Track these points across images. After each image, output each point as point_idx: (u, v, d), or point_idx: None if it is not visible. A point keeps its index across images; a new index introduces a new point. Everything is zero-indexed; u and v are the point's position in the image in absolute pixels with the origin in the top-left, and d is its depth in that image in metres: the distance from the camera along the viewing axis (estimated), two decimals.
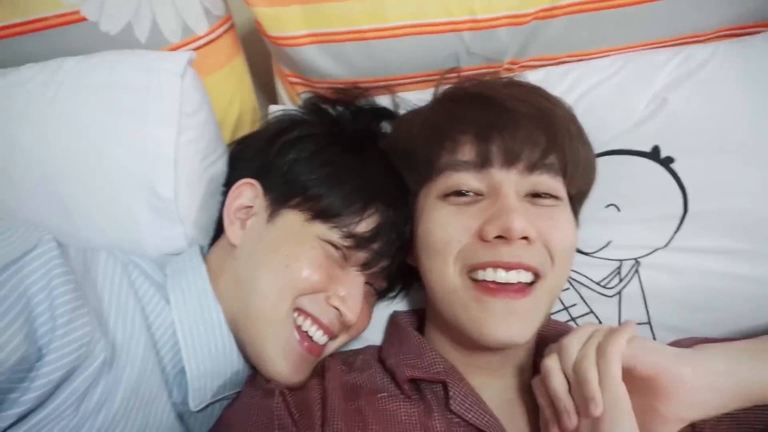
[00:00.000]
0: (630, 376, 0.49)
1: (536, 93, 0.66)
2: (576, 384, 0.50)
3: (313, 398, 0.58)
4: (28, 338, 0.48)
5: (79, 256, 0.57)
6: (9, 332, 0.46)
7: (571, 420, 0.49)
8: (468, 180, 0.59)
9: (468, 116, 0.61)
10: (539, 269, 0.56)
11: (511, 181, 0.58)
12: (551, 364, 0.52)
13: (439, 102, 0.69)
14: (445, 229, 0.59)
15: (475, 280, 0.57)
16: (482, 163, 0.58)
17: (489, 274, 0.55)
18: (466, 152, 0.60)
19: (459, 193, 0.59)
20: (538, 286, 0.56)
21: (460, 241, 0.57)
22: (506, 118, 0.59)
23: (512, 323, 0.55)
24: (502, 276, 0.55)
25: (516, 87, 0.68)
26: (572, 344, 0.52)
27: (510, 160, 0.58)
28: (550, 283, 0.57)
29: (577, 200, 0.65)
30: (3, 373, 0.46)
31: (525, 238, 0.55)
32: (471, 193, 0.59)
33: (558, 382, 0.51)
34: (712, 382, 0.48)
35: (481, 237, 0.56)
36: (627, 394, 0.48)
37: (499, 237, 0.55)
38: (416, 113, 0.71)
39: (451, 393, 0.57)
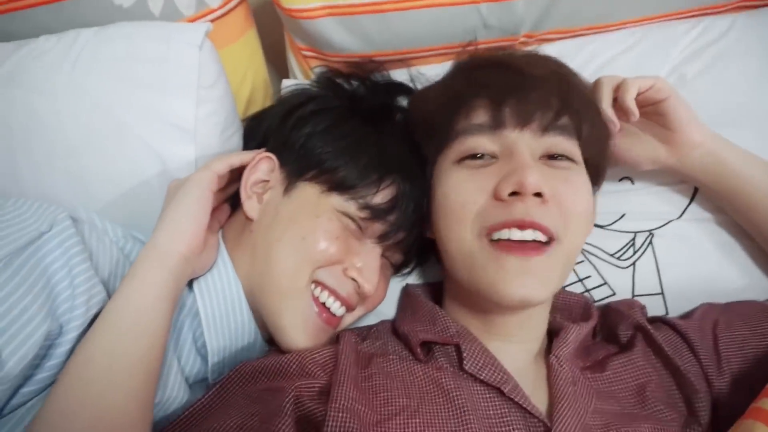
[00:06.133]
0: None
1: (551, 60, 0.66)
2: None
3: (323, 358, 0.58)
4: (50, 315, 0.49)
5: (93, 235, 0.58)
6: (32, 309, 0.47)
7: (616, 126, 0.65)
8: (482, 142, 0.59)
9: (483, 82, 0.61)
10: (553, 231, 0.56)
11: (524, 141, 0.58)
12: (604, 79, 0.66)
13: (456, 70, 0.69)
14: (461, 192, 0.59)
15: (492, 241, 0.57)
16: (496, 125, 0.59)
17: (504, 234, 0.56)
18: (481, 116, 0.60)
19: (474, 156, 0.60)
20: (554, 248, 0.57)
21: (476, 202, 0.57)
22: (520, 82, 0.59)
23: (528, 281, 0.55)
24: (516, 235, 0.55)
25: (532, 55, 0.68)
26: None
27: (523, 121, 0.58)
28: (566, 248, 0.57)
29: (593, 168, 0.64)
30: (31, 347, 0.47)
31: (539, 195, 0.55)
32: (486, 156, 0.59)
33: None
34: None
35: (496, 196, 0.56)
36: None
37: (513, 194, 0.55)
38: (433, 84, 0.71)
39: (464, 354, 0.58)
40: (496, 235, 0.56)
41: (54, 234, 0.52)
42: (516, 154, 0.57)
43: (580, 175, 0.60)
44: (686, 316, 0.68)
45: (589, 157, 0.62)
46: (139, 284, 0.53)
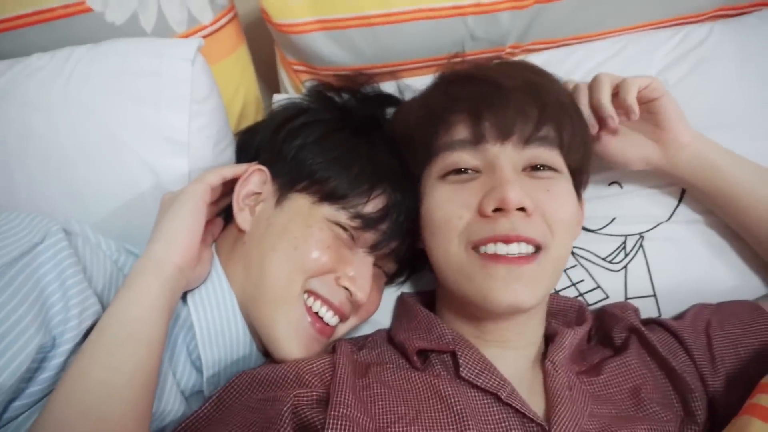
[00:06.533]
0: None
1: (526, 68, 0.67)
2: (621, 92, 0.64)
3: (320, 368, 0.58)
4: (43, 327, 0.49)
5: (87, 248, 0.58)
6: (24, 322, 0.47)
7: (615, 121, 0.64)
8: (464, 157, 0.60)
9: (460, 97, 0.62)
10: (540, 241, 0.57)
11: (506, 154, 0.59)
12: (603, 76, 0.66)
13: (433, 86, 0.70)
14: (445, 207, 0.60)
15: (479, 253, 0.58)
16: (477, 139, 0.60)
17: (490, 248, 0.56)
18: (461, 131, 0.61)
19: (457, 171, 0.61)
20: (542, 256, 0.57)
21: (461, 217, 0.58)
22: (497, 95, 0.60)
23: (517, 288, 0.55)
24: (502, 249, 0.56)
25: (506, 65, 0.69)
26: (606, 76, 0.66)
27: (503, 135, 0.59)
28: (553, 254, 0.58)
29: (577, 174, 0.65)
30: (24, 360, 0.47)
31: (523, 209, 0.56)
32: (469, 171, 0.60)
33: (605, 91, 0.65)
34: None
35: (481, 212, 0.57)
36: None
37: (497, 210, 0.56)
38: (413, 99, 0.72)
39: (460, 361, 0.58)
40: (483, 249, 0.57)
41: (47, 246, 0.52)
42: (498, 168, 0.58)
43: (562, 184, 0.61)
44: (679, 317, 0.69)
45: (573, 164, 0.63)
46: (134, 295, 0.53)
